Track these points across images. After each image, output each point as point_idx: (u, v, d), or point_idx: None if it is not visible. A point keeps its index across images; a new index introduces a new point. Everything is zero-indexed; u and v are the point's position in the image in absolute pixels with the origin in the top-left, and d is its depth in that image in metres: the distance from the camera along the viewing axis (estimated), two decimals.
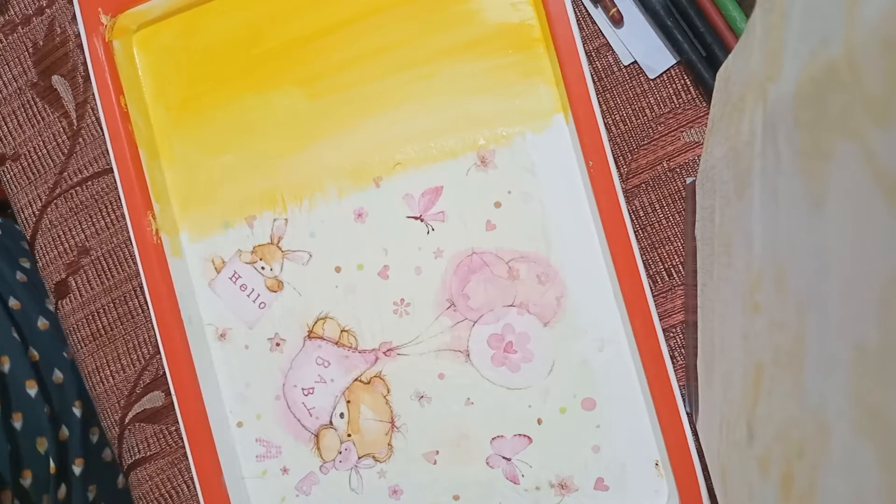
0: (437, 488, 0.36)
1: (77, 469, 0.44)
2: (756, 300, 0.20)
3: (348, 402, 0.38)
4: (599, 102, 0.34)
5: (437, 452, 0.37)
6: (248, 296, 0.39)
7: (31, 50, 0.42)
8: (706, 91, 0.34)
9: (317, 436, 0.38)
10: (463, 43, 0.36)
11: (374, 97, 0.37)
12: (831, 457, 0.14)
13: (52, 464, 0.42)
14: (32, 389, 0.42)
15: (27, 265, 0.44)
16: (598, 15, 0.36)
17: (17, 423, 0.40)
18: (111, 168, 0.37)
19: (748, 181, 0.20)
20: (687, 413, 0.33)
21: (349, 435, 0.38)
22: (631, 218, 0.34)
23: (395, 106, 0.37)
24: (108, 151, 0.37)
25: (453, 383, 0.36)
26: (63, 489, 0.43)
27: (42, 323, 0.44)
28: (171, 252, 0.38)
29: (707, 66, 0.34)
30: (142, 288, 0.38)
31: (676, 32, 0.34)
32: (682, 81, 0.35)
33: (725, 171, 0.24)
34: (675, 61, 0.35)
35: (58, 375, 0.44)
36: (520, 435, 0.36)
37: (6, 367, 0.41)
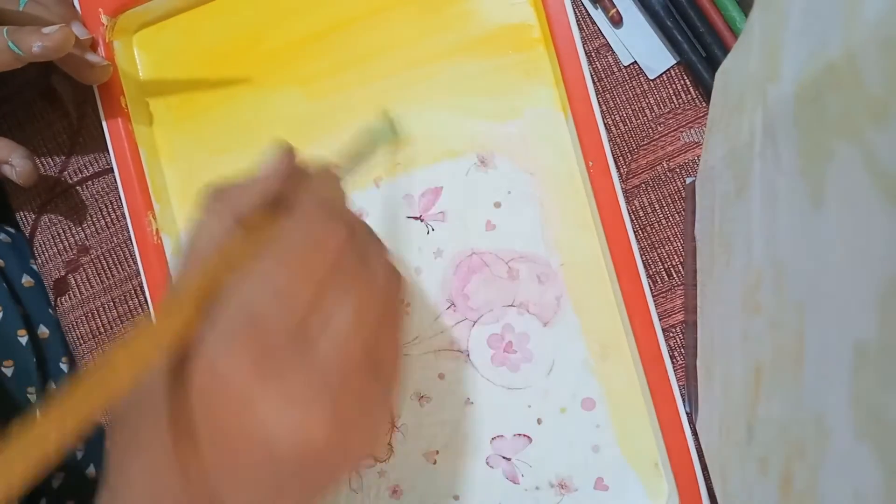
0: (437, 488, 0.36)
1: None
2: (756, 300, 0.20)
3: None
4: (599, 102, 0.34)
5: (437, 452, 0.37)
6: None
7: None
8: (706, 91, 0.34)
9: None
10: (463, 43, 0.36)
11: (374, 97, 0.37)
12: (831, 457, 0.14)
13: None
14: (23, 338, 0.41)
15: (11, 230, 0.44)
16: (598, 15, 0.36)
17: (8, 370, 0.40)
18: (111, 167, 0.37)
19: (748, 181, 0.20)
20: (687, 413, 0.33)
21: None
22: (631, 218, 0.34)
23: (395, 106, 0.37)
24: (108, 151, 0.37)
25: (453, 383, 0.36)
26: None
27: (27, 280, 0.43)
28: (171, 252, 0.38)
29: (707, 66, 0.34)
30: (142, 287, 0.38)
31: (676, 33, 0.34)
32: (682, 81, 0.35)
33: (725, 171, 0.24)
34: (675, 61, 0.35)
35: (43, 331, 0.44)
36: (520, 435, 0.36)
37: None
